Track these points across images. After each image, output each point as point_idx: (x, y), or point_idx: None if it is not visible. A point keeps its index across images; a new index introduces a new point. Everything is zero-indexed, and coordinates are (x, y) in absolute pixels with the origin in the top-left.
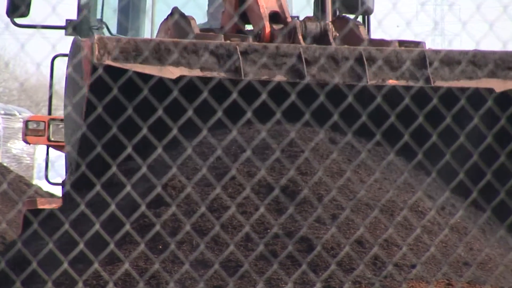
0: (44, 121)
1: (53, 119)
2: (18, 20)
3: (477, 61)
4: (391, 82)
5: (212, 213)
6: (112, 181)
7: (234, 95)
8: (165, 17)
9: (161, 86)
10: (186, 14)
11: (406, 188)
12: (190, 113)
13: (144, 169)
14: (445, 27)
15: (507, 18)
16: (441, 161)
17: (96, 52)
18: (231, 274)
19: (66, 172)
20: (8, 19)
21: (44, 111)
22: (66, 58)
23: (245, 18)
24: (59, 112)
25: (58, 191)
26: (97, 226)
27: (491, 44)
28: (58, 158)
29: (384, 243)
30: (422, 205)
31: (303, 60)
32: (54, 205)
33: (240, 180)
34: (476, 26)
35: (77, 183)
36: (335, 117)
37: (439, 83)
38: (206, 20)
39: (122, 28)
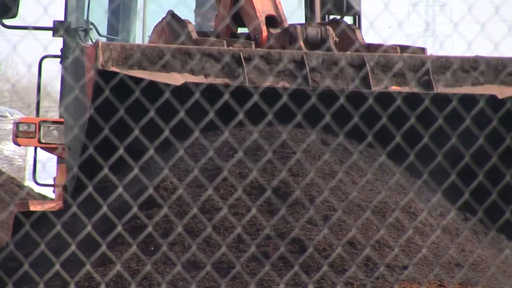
0: (35, 123)
1: (44, 121)
2: (6, 21)
3: (479, 67)
4: (394, 88)
5: (204, 214)
6: (108, 183)
7: (226, 97)
8: (159, 19)
9: (154, 89)
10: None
11: (398, 189)
12: (181, 114)
13: (136, 171)
14: (436, 28)
15: (499, 19)
16: (433, 162)
17: (101, 58)
18: (223, 276)
19: (66, 173)
20: None
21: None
22: (54, 60)
23: (238, 21)
24: (50, 114)
25: (48, 192)
26: (89, 228)
27: (483, 45)
28: (49, 160)
29: (376, 244)
30: (414, 206)
31: (307, 66)
32: (46, 207)
33: (232, 182)
34: (467, 27)
35: (80, 184)
36: (327, 118)
37: (441, 89)
38: (193, 20)
39: (112, 29)
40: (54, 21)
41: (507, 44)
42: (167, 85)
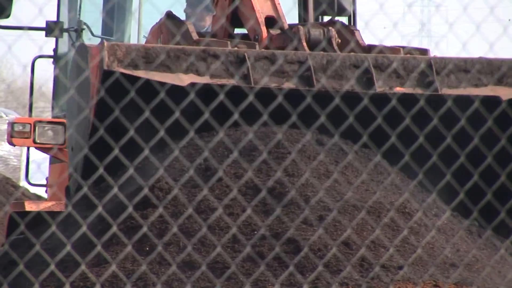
0: (30, 123)
1: (39, 121)
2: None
3: (483, 68)
4: (399, 89)
5: (199, 214)
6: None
7: (221, 97)
8: (154, 19)
9: (150, 89)
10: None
11: (393, 189)
12: (177, 114)
13: (131, 171)
14: (432, 29)
15: (494, 19)
16: (428, 162)
17: (106, 59)
18: (218, 276)
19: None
20: None
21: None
22: (47, 60)
23: (234, 22)
24: (45, 114)
25: (42, 192)
26: (84, 228)
27: (478, 45)
28: (45, 160)
29: (371, 245)
30: (409, 206)
31: (312, 68)
32: (42, 207)
33: (227, 182)
34: (463, 27)
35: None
36: (322, 118)
37: (445, 91)
38: (183, 19)
39: (107, 29)
40: (47, 21)
41: (502, 44)
42: (162, 84)
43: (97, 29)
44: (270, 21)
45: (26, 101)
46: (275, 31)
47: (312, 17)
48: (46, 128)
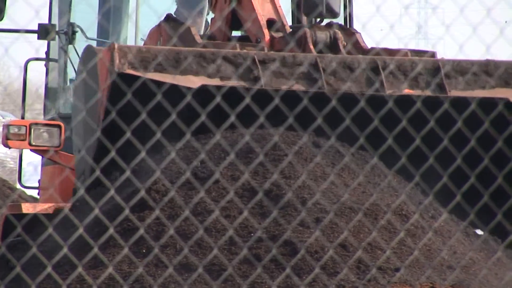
0: (25, 126)
1: (35, 124)
2: None
3: (490, 70)
4: (407, 91)
5: (196, 216)
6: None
7: (218, 99)
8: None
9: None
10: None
11: (390, 191)
12: (173, 117)
13: (128, 173)
14: (428, 31)
15: (491, 21)
16: (425, 164)
17: (117, 61)
18: (214, 278)
19: (77, 176)
20: None
21: (29, 115)
22: (40, 63)
23: (233, 24)
24: (41, 116)
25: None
26: (80, 230)
27: (475, 47)
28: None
29: (368, 247)
30: (406, 208)
31: (321, 69)
32: (38, 209)
33: (224, 184)
34: (459, 29)
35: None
36: (318, 120)
37: (453, 92)
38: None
39: (103, 32)
40: (39, 24)
41: (499, 46)
42: (159, 86)
43: (92, 32)
44: (271, 24)
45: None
46: (277, 34)
47: (304, 19)
48: (42, 130)
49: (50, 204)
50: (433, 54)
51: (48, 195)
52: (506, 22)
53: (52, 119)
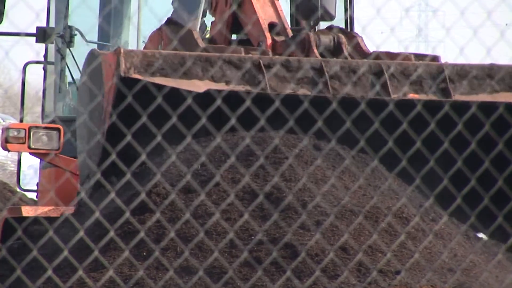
0: (24, 129)
1: (34, 127)
2: None
3: (493, 74)
4: (412, 96)
5: (196, 219)
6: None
7: (218, 102)
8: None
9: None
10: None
11: (391, 194)
12: (174, 119)
13: (128, 176)
14: (429, 34)
15: (491, 24)
16: (425, 167)
17: (123, 66)
18: (215, 281)
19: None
20: None
21: (29, 118)
22: (38, 66)
23: (234, 27)
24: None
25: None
26: (81, 233)
27: (475, 50)
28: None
29: (369, 249)
30: (407, 211)
31: (326, 73)
32: (38, 212)
33: (224, 187)
34: (460, 32)
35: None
36: (319, 123)
37: (458, 97)
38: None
39: (104, 35)
40: (38, 27)
41: (500, 49)
42: (159, 89)
43: (93, 35)
44: (272, 27)
45: (24, 106)
46: (279, 38)
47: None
48: (41, 133)
49: (50, 207)
50: (435, 58)
51: (47, 198)
52: (506, 24)
53: (52, 122)
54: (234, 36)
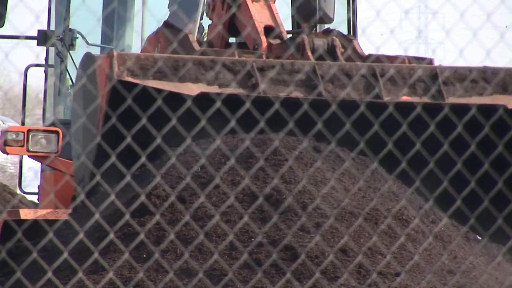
0: (23, 132)
1: (33, 130)
2: None
3: (487, 77)
4: (405, 98)
5: (196, 221)
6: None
7: (218, 104)
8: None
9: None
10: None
11: (390, 196)
12: (173, 121)
13: (128, 178)
14: (429, 35)
15: (491, 26)
16: (425, 169)
17: (116, 69)
18: (215, 283)
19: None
20: None
21: (29, 120)
22: (41, 68)
23: (231, 30)
24: (42, 121)
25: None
26: (81, 236)
27: (475, 52)
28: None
29: (368, 252)
30: (406, 213)
31: (319, 76)
32: (37, 215)
33: (224, 189)
34: (460, 34)
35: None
36: (319, 126)
37: (451, 99)
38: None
39: (106, 38)
40: (39, 31)
41: (499, 51)
42: (159, 92)
43: (96, 38)
44: (268, 31)
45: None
46: (275, 41)
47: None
48: (40, 136)
49: (49, 210)
50: (430, 61)
51: (48, 200)
52: (506, 26)
53: (52, 125)
54: (234, 39)
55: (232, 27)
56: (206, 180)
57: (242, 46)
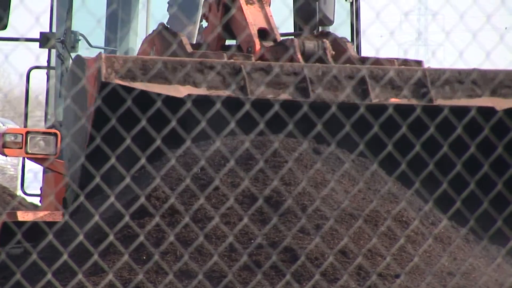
0: (22, 134)
1: (31, 132)
2: None
3: (477, 79)
4: (393, 100)
5: (196, 223)
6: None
7: (218, 106)
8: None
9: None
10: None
11: (390, 198)
12: (173, 123)
13: (128, 180)
14: (428, 37)
15: (491, 28)
16: (425, 171)
17: (104, 71)
18: (215, 285)
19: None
20: None
21: (29, 122)
22: (41, 70)
23: (226, 33)
24: (43, 123)
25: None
26: (80, 237)
27: (475, 54)
28: (41, 170)
29: (368, 253)
30: (406, 215)
31: (307, 79)
32: (38, 216)
33: (224, 191)
34: (459, 35)
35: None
36: (318, 127)
37: (440, 101)
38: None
39: (110, 39)
40: (41, 33)
41: (499, 52)
42: (159, 94)
43: (99, 41)
44: (263, 33)
45: (23, 110)
46: (268, 43)
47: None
48: (38, 138)
49: (46, 212)
50: (419, 63)
51: (48, 202)
52: (506, 28)
53: (51, 127)
54: (234, 41)
55: (227, 30)
56: (206, 181)
57: (239, 48)
